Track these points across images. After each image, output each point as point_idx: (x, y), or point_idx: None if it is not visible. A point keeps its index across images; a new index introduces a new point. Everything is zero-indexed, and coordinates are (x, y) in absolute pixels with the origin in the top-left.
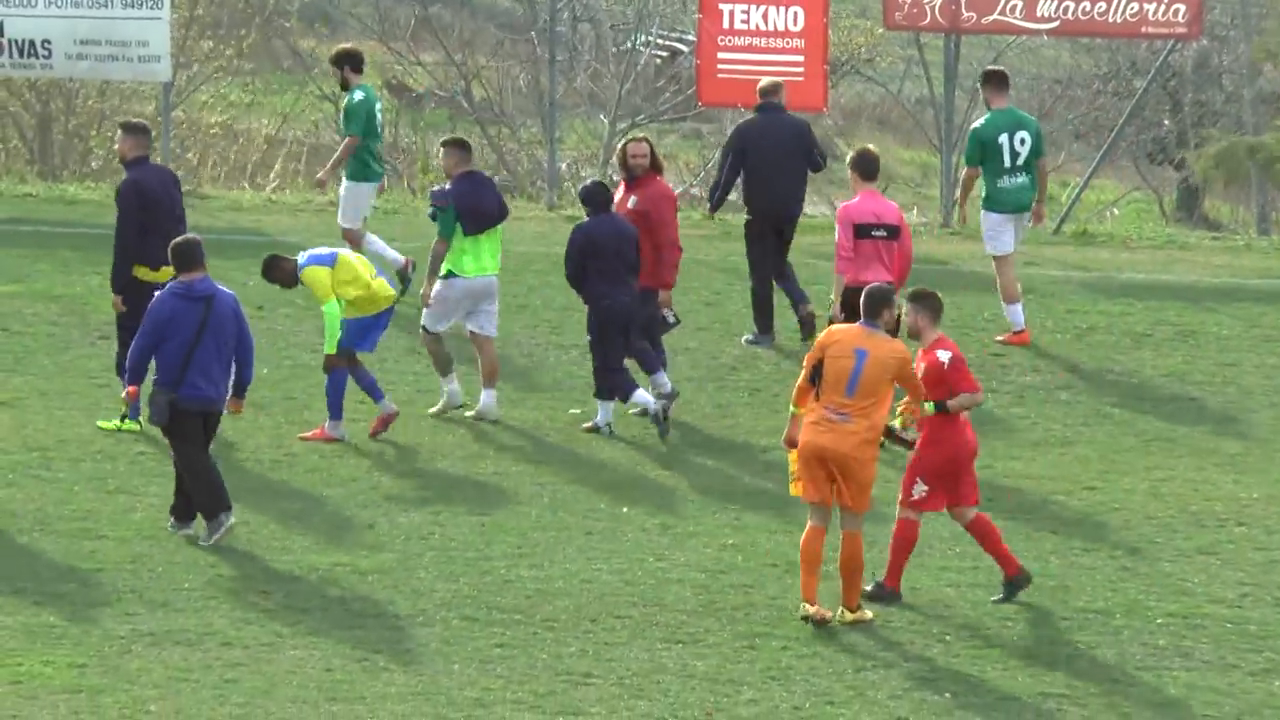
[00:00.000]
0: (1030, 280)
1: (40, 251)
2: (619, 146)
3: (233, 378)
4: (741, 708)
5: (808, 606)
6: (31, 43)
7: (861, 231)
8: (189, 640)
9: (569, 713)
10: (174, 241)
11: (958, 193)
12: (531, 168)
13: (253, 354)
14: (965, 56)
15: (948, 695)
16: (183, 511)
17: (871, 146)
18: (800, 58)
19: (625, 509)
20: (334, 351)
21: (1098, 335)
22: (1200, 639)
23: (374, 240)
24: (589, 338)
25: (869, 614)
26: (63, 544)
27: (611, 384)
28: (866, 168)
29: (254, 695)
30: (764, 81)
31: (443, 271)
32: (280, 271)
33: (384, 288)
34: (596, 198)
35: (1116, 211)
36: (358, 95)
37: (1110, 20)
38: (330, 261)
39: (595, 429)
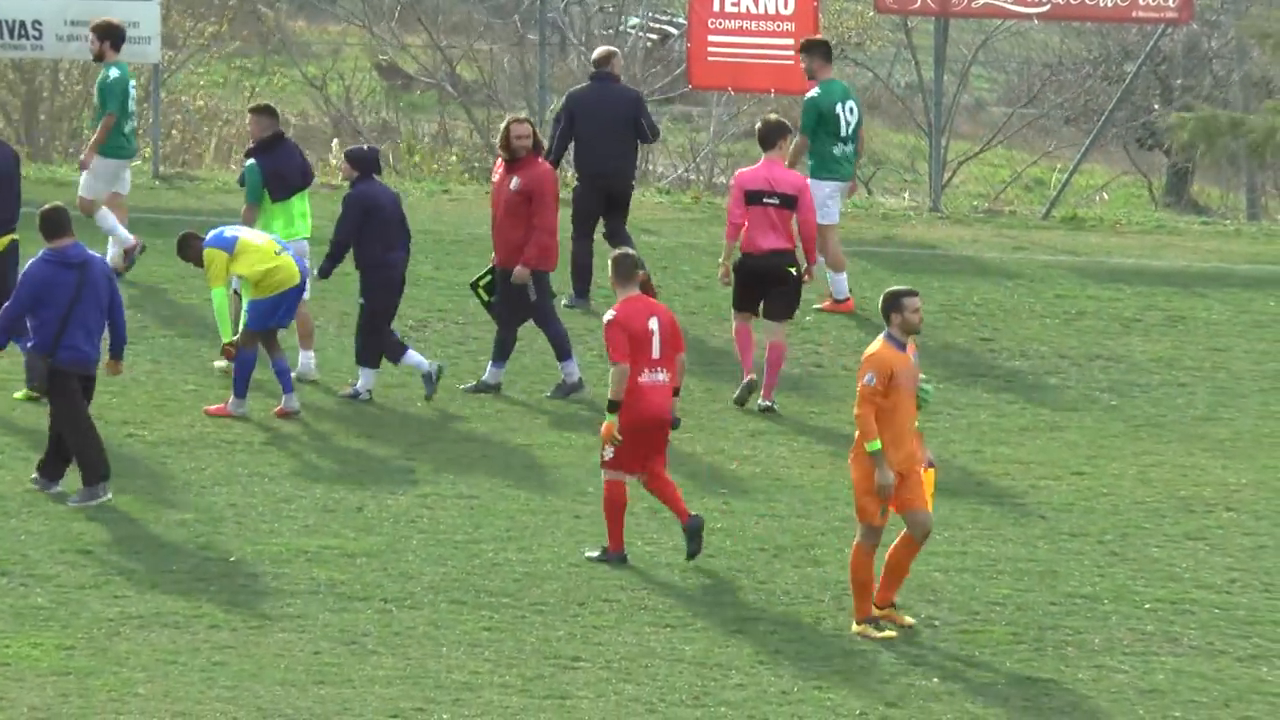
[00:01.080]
0: (1019, 265)
1: (31, 234)
2: (502, 126)
3: (111, 341)
4: (729, 691)
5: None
6: (22, 23)
7: (753, 198)
8: (177, 623)
9: (557, 696)
10: (42, 210)
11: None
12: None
13: (124, 315)
14: (954, 40)
15: (935, 680)
16: (53, 470)
17: (775, 115)
18: (790, 41)
19: None
20: (228, 339)
21: (1087, 320)
22: (1188, 625)
23: (106, 216)
24: (360, 301)
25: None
26: (51, 526)
27: (379, 348)
28: (764, 136)
29: (242, 678)
30: (597, 51)
31: None
32: (192, 250)
33: (291, 263)
34: (367, 160)
35: (1106, 196)
36: (114, 73)
37: (1101, 4)
38: (230, 246)
39: (355, 395)
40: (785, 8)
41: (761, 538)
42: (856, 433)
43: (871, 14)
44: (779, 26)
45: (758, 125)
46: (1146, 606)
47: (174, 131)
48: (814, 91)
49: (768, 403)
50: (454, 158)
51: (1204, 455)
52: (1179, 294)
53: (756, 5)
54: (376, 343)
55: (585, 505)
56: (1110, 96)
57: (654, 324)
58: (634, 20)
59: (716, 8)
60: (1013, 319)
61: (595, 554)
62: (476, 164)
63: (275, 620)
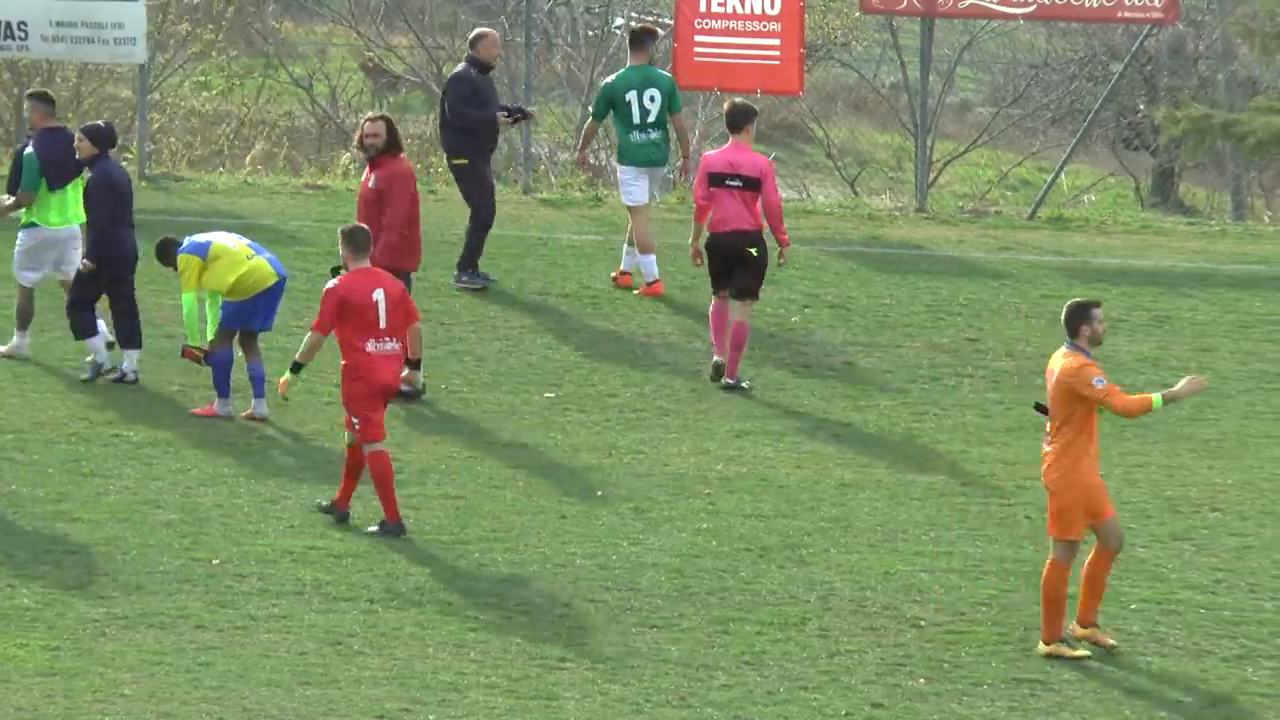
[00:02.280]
0: (1005, 265)
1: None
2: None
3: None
4: (715, 692)
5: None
6: (8, 24)
7: (716, 180)
8: (163, 623)
9: (543, 697)
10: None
11: (580, 144)
12: (508, 152)
13: None
14: (940, 41)
15: (922, 680)
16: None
17: (741, 99)
18: (777, 41)
19: (599, 493)
20: (195, 343)
21: None
22: (1174, 625)
23: None
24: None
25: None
26: (36, 527)
27: (79, 322)
28: (731, 119)
29: (227, 679)
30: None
31: (26, 220)
32: (169, 256)
33: (264, 266)
34: (106, 137)
35: (1092, 197)
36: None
37: (1087, 4)
38: (203, 251)
39: (120, 378)
40: (771, 8)
41: (747, 538)
42: (1052, 448)
43: (857, 14)
44: (765, 26)
45: (725, 107)
46: (1133, 607)
47: (160, 134)
48: (610, 77)
49: (730, 381)
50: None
51: (1190, 456)
52: (1164, 294)
53: (743, 5)
54: (75, 313)
55: (571, 506)
56: (1096, 97)
57: (379, 295)
58: (619, 20)
59: (703, 8)
60: (999, 319)
61: (374, 529)
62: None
63: (261, 621)
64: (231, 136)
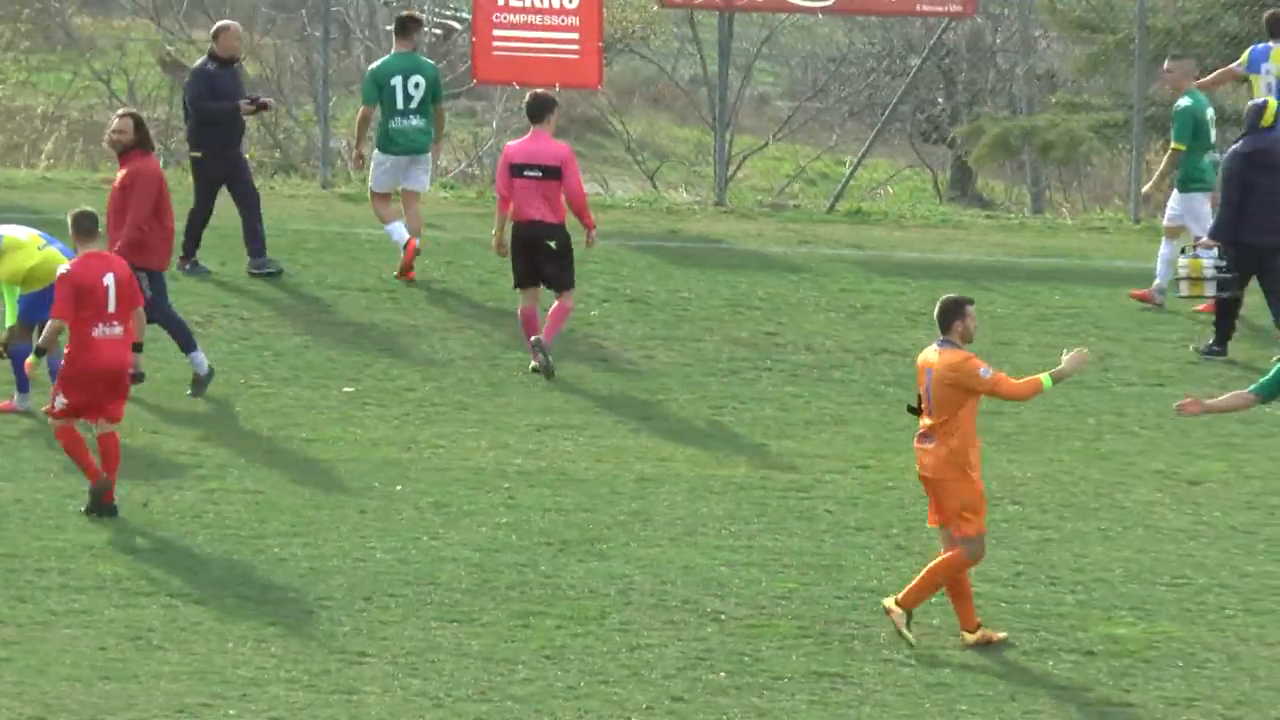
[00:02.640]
0: (804, 259)
1: None
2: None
3: None
4: (516, 686)
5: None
6: None
7: (516, 171)
8: None
9: (344, 691)
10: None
11: (354, 135)
12: (306, 146)
13: None
14: (739, 35)
15: (722, 674)
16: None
17: (543, 90)
18: (575, 35)
19: (399, 487)
20: None
21: (872, 314)
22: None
23: None
24: None
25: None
26: None
27: None
28: (530, 109)
29: (27, 674)
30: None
31: None
32: None
33: (57, 256)
34: None
35: (891, 190)
36: None
37: None
38: None
39: None
40: (570, 2)
41: (547, 532)
42: (936, 446)
43: (656, 8)
44: (564, 20)
45: (526, 98)
46: (933, 601)
47: None
48: (375, 64)
49: (541, 339)
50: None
51: (990, 449)
52: (965, 288)
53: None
54: None
55: (371, 500)
56: (894, 91)
57: (110, 280)
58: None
59: (501, 2)
60: (798, 313)
61: (84, 507)
62: (263, 160)
63: (61, 616)
64: (30, 132)
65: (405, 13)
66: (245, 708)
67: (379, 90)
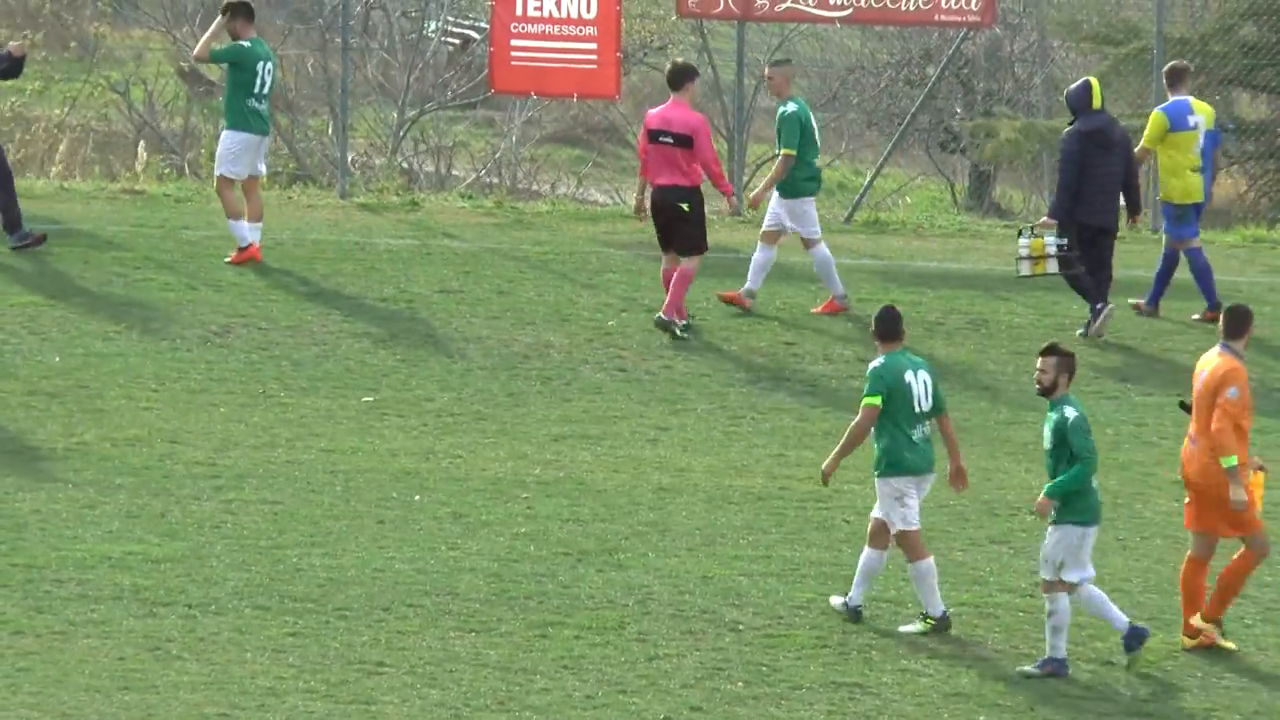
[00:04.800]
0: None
1: None
2: None
3: None
4: (534, 696)
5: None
6: None
7: (652, 136)
8: None
9: (362, 702)
10: None
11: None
12: (323, 157)
13: None
14: (753, 44)
15: (740, 684)
16: None
17: (681, 59)
18: (593, 45)
19: (417, 497)
20: None
21: None
22: (992, 628)
23: None
24: None
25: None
26: None
27: None
28: (670, 78)
29: (46, 684)
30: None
31: None
32: None
33: None
34: None
35: (909, 200)
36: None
37: (904, 8)
38: None
39: None
40: (588, 12)
41: (565, 542)
42: (1197, 446)
43: (674, 18)
44: (581, 31)
45: (667, 67)
46: (951, 610)
47: None
48: (244, 43)
49: (662, 317)
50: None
51: (1007, 459)
52: (981, 297)
53: (559, 9)
54: None
55: (389, 510)
56: (912, 100)
57: None
58: (433, 25)
59: (519, 12)
60: (816, 323)
61: None
62: (280, 169)
63: (80, 626)
64: (48, 142)
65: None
66: (263, 717)
67: (239, 74)
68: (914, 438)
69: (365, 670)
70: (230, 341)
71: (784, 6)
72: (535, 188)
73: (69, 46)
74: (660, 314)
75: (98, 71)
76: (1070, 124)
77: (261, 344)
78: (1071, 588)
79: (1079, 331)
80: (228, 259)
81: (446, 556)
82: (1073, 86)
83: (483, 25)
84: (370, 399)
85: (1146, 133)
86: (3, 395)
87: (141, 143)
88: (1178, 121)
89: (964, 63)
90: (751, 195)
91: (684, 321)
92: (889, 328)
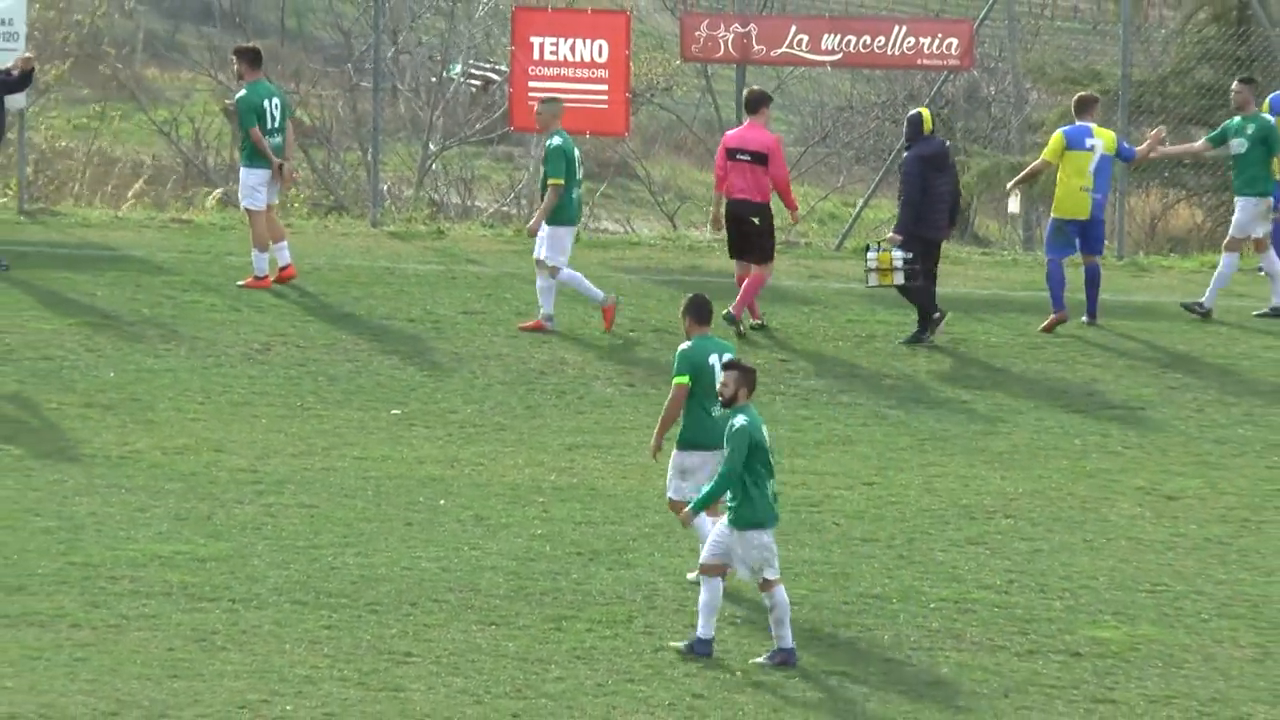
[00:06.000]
0: (815, 292)
1: None
2: None
3: None
4: (549, 684)
5: None
6: None
7: (730, 154)
8: (42, 622)
9: (391, 689)
10: None
11: (237, 154)
12: (355, 189)
13: None
14: (752, 86)
15: (738, 673)
16: None
17: (757, 86)
18: (604, 87)
19: (443, 502)
20: None
21: (876, 343)
22: (970, 622)
23: None
24: None
25: None
26: None
27: None
28: (747, 102)
29: (101, 673)
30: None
31: None
32: None
33: None
34: None
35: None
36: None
37: (889, 53)
38: None
39: None
40: (600, 55)
41: (578, 543)
42: None
43: (678, 62)
44: (594, 73)
45: (745, 93)
46: (932, 606)
47: (38, 171)
48: (242, 92)
49: (730, 313)
50: (295, 196)
51: (984, 466)
52: (961, 318)
53: (573, 54)
54: None
55: (416, 514)
56: (897, 137)
57: None
58: (457, 68)
59: (536, 56)
60: (809, 342)
61: None
62: (317, 200)
63: (132, 620)
64: (106, 177)
65: (245, 45)
66: (301, 704)
67: (256, 115)
68: (714, 413)
69: (394, 660)
70: (271, 358)
71: (779, 51)
72: None
73: (124, 86)
74: (729, 309)
75: (149, 110)
76: (907, 148)
77: (299, 360)
78: (776, 583)
79: (900, 340)
80: (241, 283)
81: (469, 556)
82: (909, 115)
83: (502, 68)
84: (399, 411)
85: (1046, 148)
86: (62, 407)
87: (205, 189)
88: (1074, 142)
89: (945, 103)
90: (529, 226)
91: (756, 321)
92: (700, 313)
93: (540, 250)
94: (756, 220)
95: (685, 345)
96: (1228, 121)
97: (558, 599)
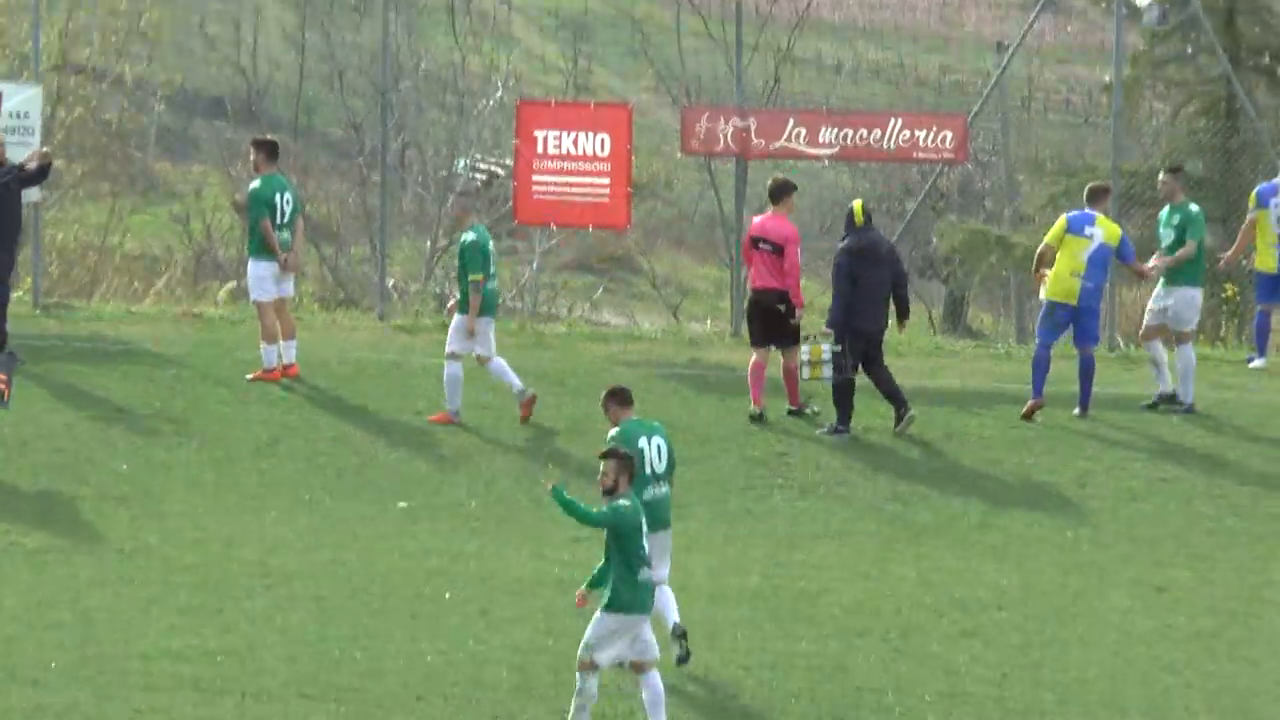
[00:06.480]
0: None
1: None
2: None
3: None
4: None
5: None
6: None
7: (753, 243)
8: (55, 715)
9: None
10: None
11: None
12: (363, 283)
13: None
14: (752, 179)
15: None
16: None
17: (781, 175)
18: (606, 180)
19: (448, 595)
20: None
21: (873, 436)
22: (965, 715)
23: None
24: None
25: None
26: None
27: None
28: (772, 192)
29: None
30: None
31: None
32: None
33: None
34: None
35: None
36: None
37: (886, 146)
38: None
39: None
40: (602, 150)
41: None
42: None
43: (679, 155)
44: (596, 167)
45: (769, 182)
46: (927, 699)
47: (51, 264)
48: (255, 184)
49: (792, 408)
50: (304, 290)
51: (978, 559)
52: (956, 412)
53: (576, 147)
54: None
55: (422, 606)
56: (893, 230)
57: None
58: (462, 163)
59: (540, 149)
60: (806, 434)
61: None
62: (326, 295)
63: (144, 714)
64: (122, 271)
65: (260, 137)
66: None
67: (266, 207)
68: (645, 496)
69: None
70: (280, 451)
71: (778, 145)
72: (554, 311)
73: (135, 182)
74: (790, 407)
75: (161, 204)
76: (842, 240)
77: (308, 454)
78: (596, 669)
79: (819, 430)
80: (250, 376)
81: (474, 650)
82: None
83: (507, 163)
84: (405, 505)
85: (1049, 231)
86: (76, 500)
87: (217, 283)
88: (1075, 227)
89: (939, 196)
90: (467, 327)
91: (814, 409)
92: (622, 397)
93: (453, 342)
94: (781, 307)
95: (615, 430)
96: (1159, 215)
97: (562, 693)
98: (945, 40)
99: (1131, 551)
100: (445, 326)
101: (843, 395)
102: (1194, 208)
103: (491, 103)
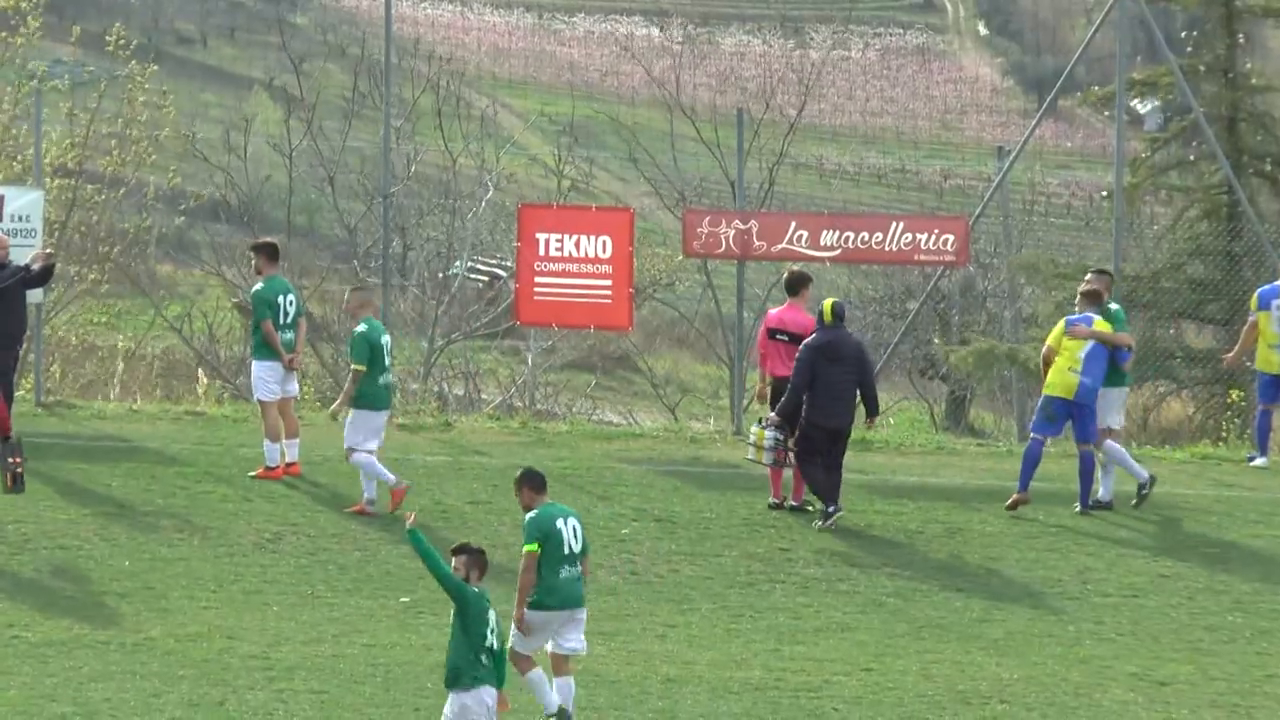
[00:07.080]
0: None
1: None
2: None
3: None
4: None
5: None
6: None
7: (771, 334)
8: None
9: None
10: None
11: (247, 350)
12: None
13: None
14: (752, 280)
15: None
16: None
17: (798, 267)
18: (608, 282)
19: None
20: None
21: (874, 531)
22: None
23: None
24: None
25: None
26: None
27: None
28: (788, 285)
29: None
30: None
31: None
32: None
33: None
34: None
35: (892, 420)
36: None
37: (887, 248)
38: None
39: None
40: (604, 252)
41: None
42: None
43: (680, 258)
44: (598, 269)
45: (785, 275)
46: None
47: (53, 364)
48: (260, 285)
49: (794, 503)
50: (305, 389)
51: (980, 653)
52: (957, 508)
53: (578, 250)
54: None
55: (424, 699)
56: (895, 331)
57: None
58: (459, 264)
59: (542, 251)
60: (807, 531)
61: None
62: (326, 394)
63: None
64: (118, 372)
65: (264, 239)
66: None
67: (270, 308)
68: (561, 576)
69: None
70: (281, 547)
71: (780, 246)
72: (555, 409)
73: (137, 283)
74: (791, 502)
75: (158, 310)
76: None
77: (310, 550)
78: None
79: (817, 524)
80: (253, 473)
81: None
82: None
83: (508, 264)
84: (407, 599)
85: (1050, 334)
86: (78, 596)
87: (200, 370)
88: (1071, 329)
89: (941, 298)
90: (331, 409)
91: (793, 501)
92: (536, 482)
93: (349, 439)
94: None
95: (532, 514)
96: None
97: None
98: (946, 145)
99: (1133, 645)
100: (446, 425)
101: (814, 479)
102: (1114, 306)
103: (483, 204)
